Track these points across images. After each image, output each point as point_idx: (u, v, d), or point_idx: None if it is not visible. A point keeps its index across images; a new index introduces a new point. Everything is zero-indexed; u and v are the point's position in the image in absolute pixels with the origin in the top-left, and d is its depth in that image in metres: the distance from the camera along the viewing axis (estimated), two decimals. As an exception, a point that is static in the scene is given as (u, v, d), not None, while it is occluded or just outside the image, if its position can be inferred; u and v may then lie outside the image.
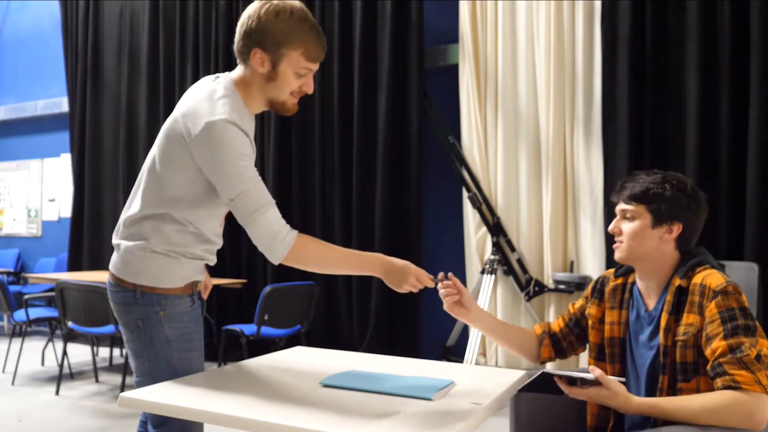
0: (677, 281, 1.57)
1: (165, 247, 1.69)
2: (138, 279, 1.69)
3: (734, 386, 1.41)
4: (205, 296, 1.91)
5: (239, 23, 1.67)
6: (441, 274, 1.74)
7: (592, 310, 1.78)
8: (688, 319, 1.52)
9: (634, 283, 1.72)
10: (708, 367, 1.47)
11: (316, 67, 1.69)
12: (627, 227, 1.64)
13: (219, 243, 1.82)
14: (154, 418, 1.72)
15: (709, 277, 1.52)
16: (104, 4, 6.25)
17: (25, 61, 7.22)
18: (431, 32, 4.72)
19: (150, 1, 5.84)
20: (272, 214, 1.61)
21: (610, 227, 1.68)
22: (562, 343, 1.84)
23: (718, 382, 1.44)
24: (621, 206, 1.66)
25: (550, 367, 3.49)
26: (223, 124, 1.57)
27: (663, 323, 1.56)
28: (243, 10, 1.71)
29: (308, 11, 1.67)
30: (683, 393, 1.51)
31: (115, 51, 6.18)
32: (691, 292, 1.54)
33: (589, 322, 1.78)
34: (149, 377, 1.70)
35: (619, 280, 1.75)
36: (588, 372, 1.48)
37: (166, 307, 1.71)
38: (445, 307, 1.78)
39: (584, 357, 3.86)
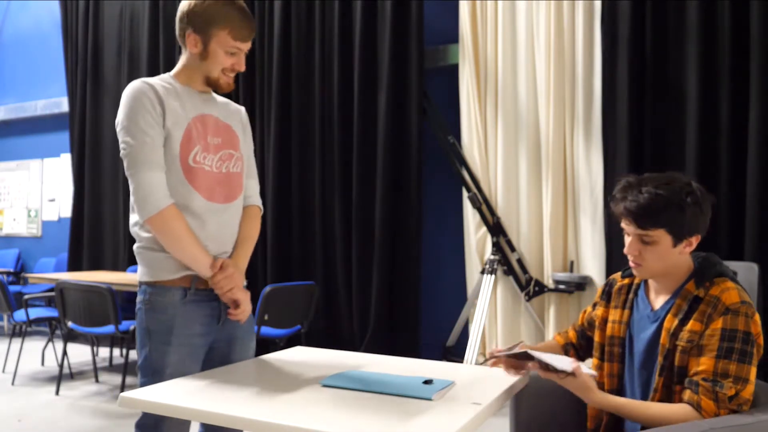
0: (694, 290, 1.56)
1: (148, 239, 1.76)
2: (139, 274, 1.81)
3: (696, 408, 1.46)
4: (239, 314, 1.85)
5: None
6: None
7: (599, 312, 1.79)
8: (694, 326, 1.52)
9: (640, 284, 1.72)
10: (688, 375, 1.51)
11: (244, 46, 1.79)
12: (648, 252, 1.57)
13: (211, 239, 1.80)
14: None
15: (727, 293, 1.52)
16: (104, 4, 6.25)
17: (25, 61, 7.22)
18: (431, 32, 4.72)
19: (150, 1, 5.84)
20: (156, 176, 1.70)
21: (627, 250, 1.60)
22: (579, 351, 1.90)
23: (687, 393, 1.48)
24: (635, 230, 1.56)
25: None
26: (133, 83, 1.72)
27: (667, 325, 1.56)
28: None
29: None
30: (676, 395, 1.54)
31: (115, 51, 6.18)
32: (705, 302, 1.53)
33: (596, 323, 1.79)
34: (140, 371, 1.77)
35: (626, 281, 1.76)
36: (567, 360, 1.54)
37: (151, 297, 1.75)
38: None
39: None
